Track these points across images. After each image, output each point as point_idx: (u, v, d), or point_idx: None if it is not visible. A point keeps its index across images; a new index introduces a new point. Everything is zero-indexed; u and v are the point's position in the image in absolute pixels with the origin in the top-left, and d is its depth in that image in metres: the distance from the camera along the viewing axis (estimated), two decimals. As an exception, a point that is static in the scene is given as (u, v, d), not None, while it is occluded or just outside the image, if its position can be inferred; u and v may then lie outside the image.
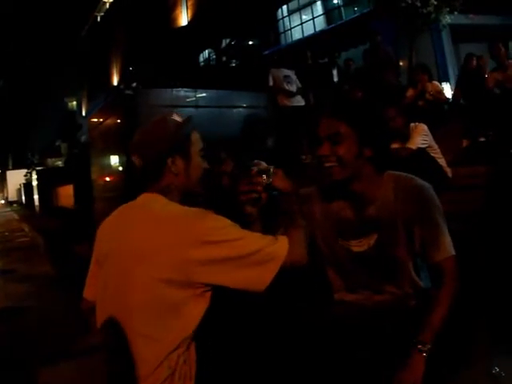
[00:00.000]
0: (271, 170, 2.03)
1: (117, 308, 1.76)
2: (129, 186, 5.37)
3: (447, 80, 12.70)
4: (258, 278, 1.73)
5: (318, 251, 2.20)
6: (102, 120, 7.12)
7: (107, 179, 7.42)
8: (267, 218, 2.20)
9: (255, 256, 1.73)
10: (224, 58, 11.83)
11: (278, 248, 1.77)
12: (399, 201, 2.00)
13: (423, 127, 4.71)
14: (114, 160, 6.86)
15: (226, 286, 1.73)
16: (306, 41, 18.44)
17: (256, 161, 2.33)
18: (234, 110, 7.13)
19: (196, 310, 1.75)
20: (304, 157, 7.13)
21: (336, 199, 2.15)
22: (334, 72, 9.53)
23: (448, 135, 5.84)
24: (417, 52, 12.25)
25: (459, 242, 2.03)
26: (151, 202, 1.87)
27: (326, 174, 2.00)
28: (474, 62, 7.67)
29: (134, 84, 7.06)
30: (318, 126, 2.03)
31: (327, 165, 1.99)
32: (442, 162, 4.78)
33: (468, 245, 2.70)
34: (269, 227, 2.11)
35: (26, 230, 9.11)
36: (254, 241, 1.77)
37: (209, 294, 1.76)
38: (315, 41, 17.40)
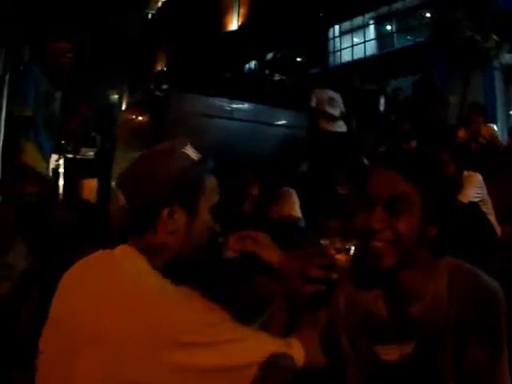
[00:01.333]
0: (351, 245, 1.43)
1: None
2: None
3: (495, 122, 12.19)
4: None
5: (340, 351, 1.60)
6: (130, 118, 6.85)
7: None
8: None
9: (246, 371, 1.27)
10: (267, 71, 11.46)
11: (291, 359, 1.34)
12: (454, 302, 1.40)
13: (478, 178, 4.27)
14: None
15: None
16: (355, 64, 18.05)
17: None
18: (271, 128, 6.86)
19: None
20: (339, 188, 6.74)
21: (368, 286, 1.53)
22: (382, 100, 9.06)
23: (499, 186, 5.28)
24: (468, 89, 11.78)
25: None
26: (126, 265, 1.37)
27: (372, 256, 1.37)
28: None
29: (165, 86, 6.74)
30: (371, 181, 1.40)
31: (378, 245, 1.35)
32: (492, 218, 4.29)
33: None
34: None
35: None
36: (258, 346, 1.32)
37: None
38: (364, 65, 17.04)
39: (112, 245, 1.47)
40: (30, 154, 3.69)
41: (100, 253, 1.48)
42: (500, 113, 14.00)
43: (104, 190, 7.96)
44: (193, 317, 1.27)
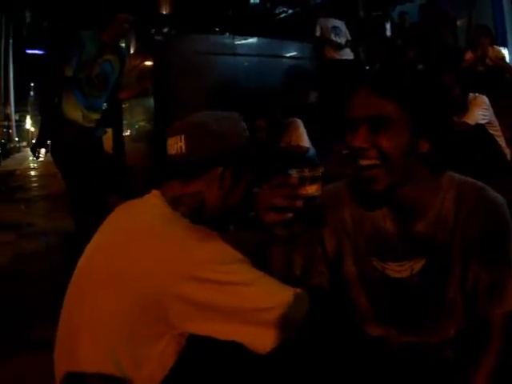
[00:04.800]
0: (320, 173, 1.42)
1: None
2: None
3: (505, 46, 11.92)
4: (259, 340, 1.29)
5: (343, 271, 1.62)
6: (135, 64, 6.77)
7: (137, 126, 7.18)
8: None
9: (263, 314, 1.29)
10: (268, 5, 11.20)
11: (297, 310, 1.32)
12: (461, 216, 1.42)
13: (484, 100, 4.21)
14: (145, 107, 6.60)
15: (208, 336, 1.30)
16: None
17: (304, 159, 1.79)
18: (276, 60, 6.80)
19: (167, 355, 1.33)
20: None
21: (374, 205, 1.53)
22: (388, 26, 8.89)
23: (508, 109, 5.22)
24: (476, 13, 11.48)
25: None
26: (154, 211, 1.45)
27: (364, 179, 1.38)
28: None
29: (166, 29, 6.67)
30: (350, 102, 1.39)
31: (364, 163, 1.36)
32: (501, 141, 4.26)
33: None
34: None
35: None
36: (267, 293, 1.32)
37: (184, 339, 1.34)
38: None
39: (136, 195, 1.54)
40: (69, 106, 4.27)
41: (135, 200, 1.54)
42: (510, 37, 13.72)
43: (119, 140, 7.99)
44: (206, 253, 1.30)
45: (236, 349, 1.30)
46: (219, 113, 1.55)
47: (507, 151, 4.29)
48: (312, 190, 1.40)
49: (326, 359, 1.54)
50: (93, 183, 4.14)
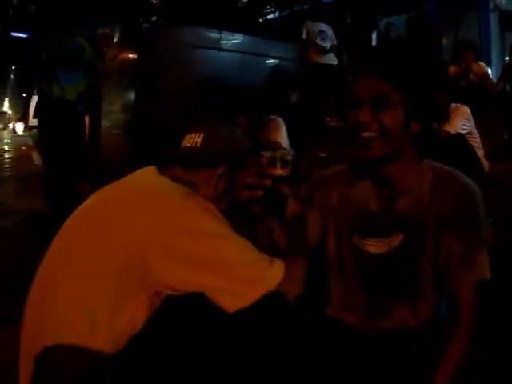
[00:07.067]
0: (290, 157, 1.58)
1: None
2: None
3: (489, 65, 12.09)
4: (226, 297, 1.38)
5: (326, 254, 1.77)
6: (118, 53, 6.66)
7: (115, 116, 7.10)
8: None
9: (234, 270, 1.39)
10: (257, 4, 11.23)
11: (270, 274, 1.42)
12: (436, 196, 1.59)
13: (466, 110, 4.24)
14: (126, 97, 6.40)
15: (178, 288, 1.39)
16: (348, 0, 17.76)
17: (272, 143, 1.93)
18: (261, 59, 6.79)
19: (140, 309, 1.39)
20: (329, 119, 6.73)
21: (361, 183, 1.71)
22: (373, 36, 8.97)
23: (488, 124, 5.29)
24: (462, 30, 11.63)
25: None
26: (152, 176, 1.61)
27: (363, 147, 1.54)
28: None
29: (154, 18, 6.66)
30: (356, 84, 1.57)
31: (366, 134, 1.52)
32: (480, 152, 4.30)
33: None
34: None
35: (34, 157, 9.01)
36: (242, 251, 1.44)
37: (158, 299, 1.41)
38: (357, 2, 16.79)
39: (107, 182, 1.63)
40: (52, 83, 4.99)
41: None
42: (494, 57, 13.89)
43: (95, 128, 7.86)
44: (193, 209, 1.43)
45: (204, 320, 1.38)
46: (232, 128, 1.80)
47: (485, 163, 4.33)
48: (281, 171, 1.55)
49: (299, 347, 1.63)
50: (70, 159, 4.31)
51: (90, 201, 1.59)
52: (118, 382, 1.34)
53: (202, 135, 1.64)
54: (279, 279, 1.41)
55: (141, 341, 1.36)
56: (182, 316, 1.39)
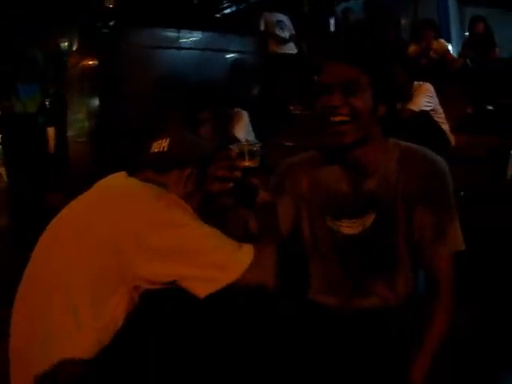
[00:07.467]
0: (257, 148, 1.65)
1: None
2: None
3: (449, 42, 12.20)
4: (198, 283, 1.44)
5: (302, 238, 1.83)
6: (78, 60, 6.59)
7: (80, 124, 7.05)
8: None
9: (204, 257, 1.46)
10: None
11: (239, 257, 1.49)
12: (403, 175, 1.64)
13: (428, 87, 4.26)
14: (89, 103, 6.37)
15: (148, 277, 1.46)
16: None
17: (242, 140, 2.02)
18: (220, 54, 6.80)
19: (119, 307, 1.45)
20: (293, 107, 6.74)
21: (330, 168, 1.75)
22: (332, 22, 9.00)
23: (451, 99, 5.34)
24: (420, 9, 11.71)
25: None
26: (126, 179, 1.72)
27: (334, 134, 1.59)
28: (482, 26, 7.21)
29: (113, 22, 6.60)
30: (323, 72, 1.62)
31: (338, 118, 1.57)
32: (445, 127, 4.33)
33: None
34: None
35: (3, 174, 8.86)
36: (207, 236, 1.51)
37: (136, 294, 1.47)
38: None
39: (78, 193, 1.71)
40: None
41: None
42: (454, 34, 14.00)
43: (62, 138, 7.78)
44: (164, 204, 1.52)
45: (179, 312, 1.45)
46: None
47: (451, 137, 4.37)
48: (250, 162, 1.61)
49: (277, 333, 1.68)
50: (32, 173, 4.33)
51: (65, 210, 1.66)
52: (100, 381, 1.39)
53: (168, 140, 1.74)
54: (248, 262, 1.47)
55: (121, 339, 1.41)
56: (157, 310, 1.44)
